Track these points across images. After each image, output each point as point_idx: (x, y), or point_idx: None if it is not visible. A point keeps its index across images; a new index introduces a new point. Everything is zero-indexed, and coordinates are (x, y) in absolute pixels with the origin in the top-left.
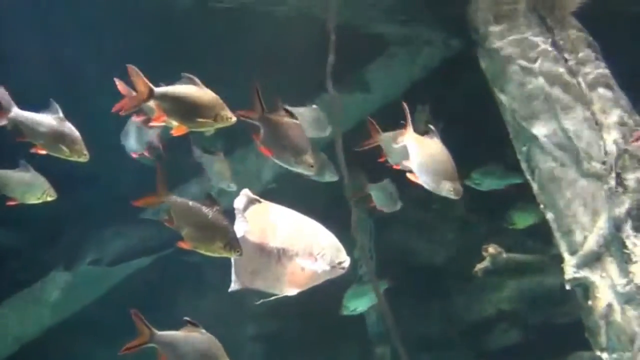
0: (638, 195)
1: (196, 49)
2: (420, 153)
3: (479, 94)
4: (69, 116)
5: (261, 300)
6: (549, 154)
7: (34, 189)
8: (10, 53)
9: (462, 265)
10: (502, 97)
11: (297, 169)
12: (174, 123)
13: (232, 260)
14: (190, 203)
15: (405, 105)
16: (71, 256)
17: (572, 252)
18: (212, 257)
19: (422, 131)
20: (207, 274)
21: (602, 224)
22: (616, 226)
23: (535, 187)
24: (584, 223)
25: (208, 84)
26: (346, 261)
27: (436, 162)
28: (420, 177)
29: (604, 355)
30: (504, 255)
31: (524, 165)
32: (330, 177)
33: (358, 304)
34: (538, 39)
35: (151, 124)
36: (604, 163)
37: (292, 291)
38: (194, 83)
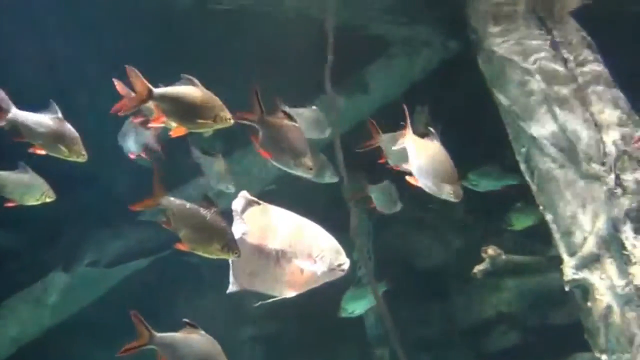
0: (637, 196)
1: (195, 50)
2: (419, 156)
3: (478, 95)
4: (67, 117)
5: (260, 302)
6: (548, 155)
7: (32, 191)
8: (8, 53)
9: (461, 266)
10: (501, 98)
11: (296, 172)
12: (173, 124)
13: (230, 262)
14: (188, 205)
15: (405, 107)
16: (70, 257)
17: (572, 254)
18: (210, 259)
19: (422, 132)
20: (206, 276)
21: (601, 225)
22: (615, 227)
23: (534, 188)
24: (583, 224)
25: (207, 84)
26: (346, 263)
27: (436, 164)
28: (420, 180)
29: (604, 356)
30: (504, 256)
31: (523, 166)
32: (330, 178)
33: (356, 306)
34: (537, 40)
35: (150, 125)
36: (603, 164)
37: (290, 293)
38: (193, 84)
